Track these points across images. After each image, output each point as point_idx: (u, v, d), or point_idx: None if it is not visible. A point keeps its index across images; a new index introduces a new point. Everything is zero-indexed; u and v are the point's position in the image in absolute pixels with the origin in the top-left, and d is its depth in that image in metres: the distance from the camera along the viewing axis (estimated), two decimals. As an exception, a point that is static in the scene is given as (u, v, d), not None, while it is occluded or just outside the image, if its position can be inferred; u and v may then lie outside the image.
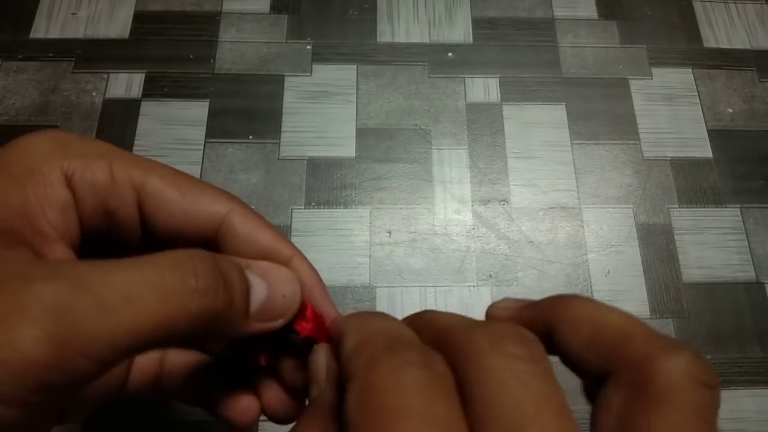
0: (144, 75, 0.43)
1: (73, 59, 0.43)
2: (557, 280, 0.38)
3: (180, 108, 0.42)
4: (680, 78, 0.45)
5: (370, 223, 0.39)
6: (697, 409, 0.13)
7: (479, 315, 0.16)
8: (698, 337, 0.37)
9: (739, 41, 0.46)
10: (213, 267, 0.16)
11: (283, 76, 0.43)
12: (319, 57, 0.44)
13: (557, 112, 0.43)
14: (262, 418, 0.21)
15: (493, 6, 0.47)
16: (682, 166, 0.42)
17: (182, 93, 0.42)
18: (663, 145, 0.42)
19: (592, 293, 0.38)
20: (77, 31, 0.44)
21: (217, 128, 0.41)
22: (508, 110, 0.43)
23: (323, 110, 0.42)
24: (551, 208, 0.40)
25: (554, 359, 0.15)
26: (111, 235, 0.19)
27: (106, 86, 0.42)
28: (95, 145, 0.18)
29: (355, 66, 0.44)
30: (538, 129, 0.43)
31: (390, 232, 0.39)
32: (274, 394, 0.21)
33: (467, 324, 0.14)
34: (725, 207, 0.41)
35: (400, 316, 0.17)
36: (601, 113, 0.43)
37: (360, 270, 0.38)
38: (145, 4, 0.45)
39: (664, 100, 0.44)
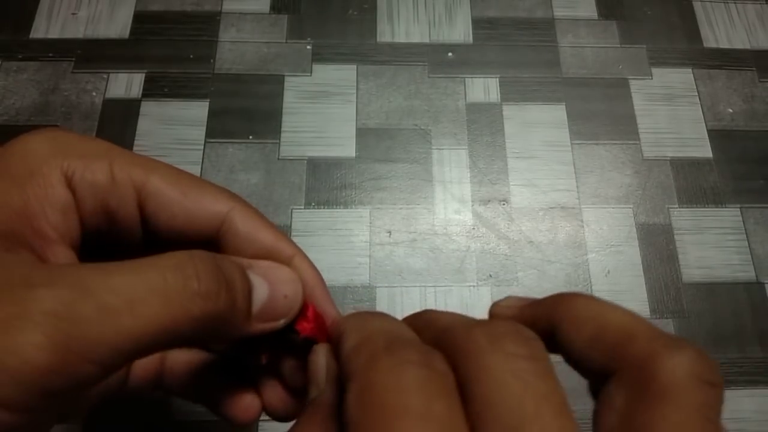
0: (144, 75, 0.43)
1: (73, 59, 0.43)
2: (557, 280, 0.38)
3: (180, 108, 0.42)
4: (680, 78, 0.45)
5: (370, 223, 0.39)
6: (700, 407, 0.13)
7: (479, 315, 0.16)
8: (698, 337, 0.37)
9: (739, 41, 0.46)
10: (215, 269, 0.16)
11: (283, 76, 0.43)
12: (319, 57, 0.44)
13: (557, 112, 0.43)
14: (262, 418, 0.21)
15: (493, 6, 0.47)
16: (682, 166, 0.42)
17: (182, 93, 0.42)
18: (663, 145, 0.42)
19: (592, 293, 0.38)
20: (77, 31, 0.44)
21: (217, 128, 0.41)
22: (508, 110, 0.43)
23: (323, 110, 0.42)
24: (551, 208, 0.40)
25: (558, 358, 0.15)
26: (112, 235, 0.19)
27: (106, 86, 0.42)
28: (95, 145, 0.18)
29: (355, 66, 0.44)
30: (538, 129, 0.43)
31: (390, 232, 0.39)
32: (274, 392, 0.21)
33: (467, 323, 0.14)
34: (725, 207, 0.41)
35: (400, 316, 0.17)
36: (601, 113, 0.43)
37: (360, 270, 0.38)
38: (145, 4, 0.45)
39: (664, 100, 0.44)
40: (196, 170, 0.40)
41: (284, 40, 0.45)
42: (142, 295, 0.14)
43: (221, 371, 0.22)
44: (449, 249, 0.39)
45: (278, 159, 0.41)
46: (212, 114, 0.42)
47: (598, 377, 0.14)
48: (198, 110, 0.42)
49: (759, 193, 0.41)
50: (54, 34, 0.44)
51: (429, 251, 0.39)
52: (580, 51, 0.45)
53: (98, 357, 0.13)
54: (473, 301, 0.37)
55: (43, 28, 0.44)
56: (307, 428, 0.15)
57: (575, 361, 0.15)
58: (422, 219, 0.39)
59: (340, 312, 0.21)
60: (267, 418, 0.22)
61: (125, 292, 0.14)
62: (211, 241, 0.19)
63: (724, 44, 0.46)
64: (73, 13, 0.44)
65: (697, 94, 0.44)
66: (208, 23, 0.45)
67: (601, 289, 0.38)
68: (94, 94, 0.42)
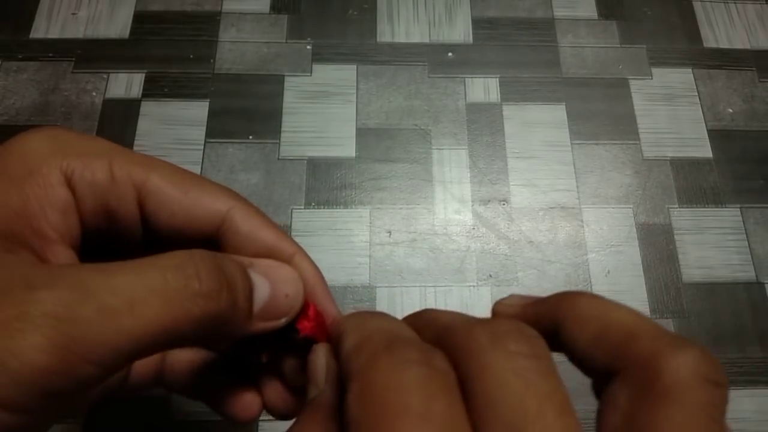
0: (144, 75, 0.43)
1: (73, 59, 0.43)
2: (557, 280, 0.38)
3: (180, 108, 0.42)
4: (680, 78, 0.45)
5: (370, 223, 0.39)
6: (704, 407, 0.12)
7: (479, 315, 0.16)
8: (698, 337, 0.37)
9: (739, 41, 0.46)
10: (216, 269, 0.16)
11: (283, 76, 0.43)
12: (319, 57, 0.44)
13: (557, 112, 0.43)
14: (262, 418, 0.21)
15: (493, 6, 0.47)
16: (682, 166, 0.42)
17: (182, 93, 0.42)
18: (663, 145, 0.42)
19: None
20: (77, 31, 0.44)
21: (217, 128, 0.41)
22: (508, 110, 0.43)
23: (323, 110, 0.42)
24: (551, 208, 0.40)
25: (560, 357, 0.15)
26: (112, 234, 0.19)
27: (106, 86, 0.42)
28: (95, 143, 0.18)
29: (355, 66, 0.44)
30: (538, 129, 0.43)
31: (390, 232, 0.39)
32: (275, 390, 0.21)
33: (468, 321, 0.14)
34: (725, 207, 0.41)
35: (400, 316, 0.17)
36: (601, 113, 0.43)
37: (360, 270, 0.38)
38: (145, 4, 0.45)
39: (664, 100, 0.44)
40: (196, 170, 0.40)
41: (284, 40, 0.45)
42: (142, 295, 0.14)
43: (222, 369, 0.22)
44: (449, 249, 0.39)
45: (278, 159, 0.41)
46: (212, 114, 0.42)
47: (602, 376, 0.14)
48: (198, 110, 0.42)
49: (759, 193, 0.41)
50: (54, 34, 0.44)
51: (429, 251, 0.39)
52: (580, 51, 0.45)
53: (99, 358, 0.13)
54: (473, 301, 0.37)
55: (43, 28, 0.44)
56: (306, 428, 0.15)
57: (578, 360, 0.15)
58: (422, 219, 0.39)
59: (341, 311, 0.21)
60: (267, 418, 0.22)
61: (125, 293, 0.14)
62: (211, 239, 0.19)
63: (724, 44, 0.46)
64: (73, 13, 0.44)
65: (697, 94, 0.44)
66: (208, 23, 0.45)
67: (601, 289, 0.38)
68: (94, 94, 0.42)
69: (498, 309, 0.18)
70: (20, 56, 0.43)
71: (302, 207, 0.39)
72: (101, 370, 0.14)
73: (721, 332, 0.37)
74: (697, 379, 0.13)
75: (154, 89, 0.42)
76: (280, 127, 0.42)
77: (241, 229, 0.19)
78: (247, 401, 0.21)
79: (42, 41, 0.43)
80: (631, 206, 0.41)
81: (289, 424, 0.16)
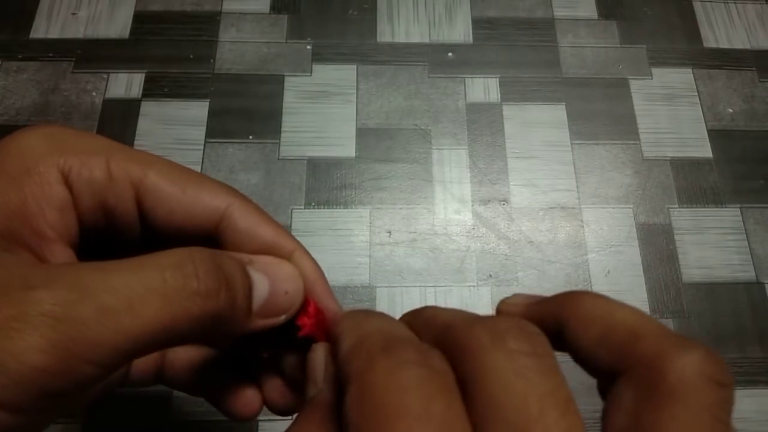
0: (144, 75, 0.43)
1: (73, 59, 0.43)
2: (557, 280, 0.38)
3: (180, 108, 0.42)
4: (680, 78, 0.45)
5: (370, 223, 0.39)
6: (709, 407, 0.12)
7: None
8: (698, 337, 0.37)
9: (739, 41, 0.46)
10: (215, 267, 0.16)
11: (283, 76, 0.43)
12: (319, 57, 0.44)
13: (557, 112, 0.43)
14: (262, 417, 0.21)
15: (493, 6, 0.47)
16: (682, 166, 0.42)
17: (182, 93, 0.42)
18: (663, 145, 0.42)
19: (592, 293, 0.38)
20: (77, 31, 0.44)
21: (217, 128, 0.41)
22: (508, 110, 0.43)
23: (323, 110, 0.42)
24: (551, 208, 0.40)
25: (563, 357, 0.15)
26: (110, 232, 0.19)
27: (106, 86, 0.42)
28: (92, 141, 0.18)
29: (355, 66, 0.44)
30: (538, 129, 0.43)
31: (390, 232, 0.39)
32: (275, 386, 0.21)
33: (468, 319, 0.14)
34: (725, 207, 0.41)
35: (400, 317, 0.17)
36: (601, 113, 0.43)
37: (360, 270, 0.38)
38: (145, 4, 0.45)
39: (664, 100, 0.44)
40: (196, 170, 0.40)
41: (284, 40, 0.44)
42: (141, 294, 0.14)
43: (222, 366, 0.22)
44: (449, 249, 0.39)
45: (278, 159, 0.41)
46: (212, 114, 0.42)
47: (607, 376, 0.14)
48: (198, 110, 0.42)
49: (759, 193, 0.41)
50: (54, 34, 0.44)
51: (429, 251, 0.39)
52: (580, 51, 0.45)
53: (98, 358, 0.13)
54: (473, 301, 0.37)
55: (43, 28, 0.44)
56: (305, 427, 0.15)
57: (583, 360, 0.15)
58: (422, 219, 0.39)
59: (341, 307, 0.21)
60: (267, 417, 0.22)
61: (124, 292, 0.14)
62: (210, 236, 0.19)
63: (724, 44, 0.46)
64: (73, 13, 0.44)
65: (697, 94, 0.44)
66: (208, 23, 0.45)
67: (601, 289, 0.38)
68: (94, 94, 0.42)
69: (502, 308, 0.18)
70: (20, 56, 0.43)
71: (302, 207, 0.39)
72: (100, 370, 0.14)
73: (721, 332, 0.37)
74: (702, 380, 0.13)
75: (154, 89, 0.42)
76: (280, 127, 0.42)
77: (240, 225, 0.19)
78: (248, 398, 0.21)
79: (42, 41, 0.43)
80: (631, 206, 0.41)
81: (288, 422, 0.16)
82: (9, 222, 0.16)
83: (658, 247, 0.39)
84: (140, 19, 0.45)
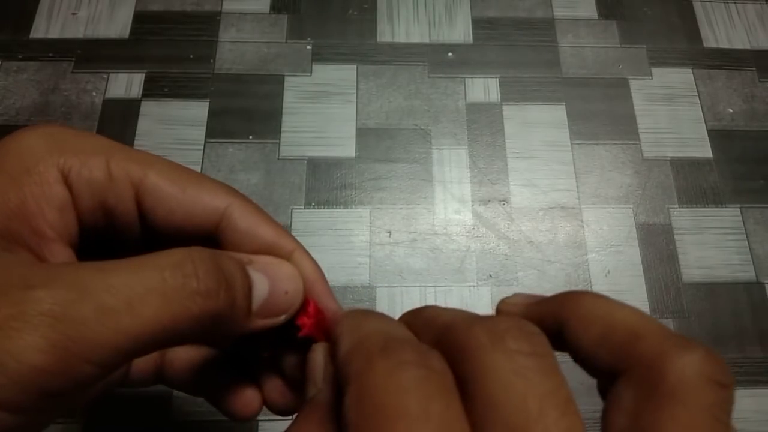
0: (144, 75, 0.43)
1: (73, 59, 0.43)
2: (557, 280, 0.38)
3: (180, 108, 0.42)
4: (680, 78, 0.45)
5: (370, 223, 0.39)
6: (709, 407, 0.12)
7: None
8: (698, 337, 0.37)
9: (739, 41, 0.46)
10: (214, 267, 0.16)
11: (283, 76, 0.43)
12: (319, 57, 0.44)
13: (557, 112, 0.43)
14: (262, 417, 0.21)
15: (493, 6, 0.47)
16: (682, 166, 0.42)
17: (182, 93, 0.42)
18: (663, 145, 0.42)
19: (592, 293, 0.38)
20: (77, 31, 0.44)
21: (217, 128, 0.41)
22: (508, 110, 0.43)
23: (323, 110, 0.42)
24: (551, 208, 0.40)
25: (563, 357, 0.15)
26: (110, 232, 0.19)
27: (106, 86, 0.42)
28: (92, 141, 0.18)
29: (355, 66, 0.44)
30: (538, 129, 0.43)
31: (390, 232, 0.39)
32: (275, 386, 0.21)
33: (468, 319, 0.14)
34: (725, 207, 0.41)
35: (399, 316, 0.17)
36: (601, 113, 0.43)
37: (360, 270, 0.38)
38: (145, 4, 0.45)
39: (664, 100, 0.44)
40: (196, 170, 0.40)
41: (284, 40, 0.44)
42: (140, 294, 0.14)
43: (222, 366, 0.22)
44: (449, 249, 0.39)
45: (278, 159, 0.41)
46: (212, 114, 0.42)
47: (607, 377, 0.14)
48: (198, 110, 0.42)
49: (759, 193, 0.41)
50: (54, 34, 0.44)
51: (429, 251, 0.39)
52: (580, 51, 0.45)
53: (97, 357, 0.13)
54: (473, 301, 0.37)
55: (43, 28, 0.44)
56: (304, 427, 0.15)
57: (583, 360, 0.15)
58: (422, 219, 0.39)
59: (341, 307, 0.21)
60: (267, 417, 0.22)
61: (124, 292, 0.14)
62: (210, 236, 0.19)
63: (724, 44, 0.46)
64: (73, 13, 0.44)
65: (697, 94, 0.44)
66: (208, 23, 0.45)
67: (601, 289, 0.38)
68: (94, 94, 0.42)
69: (502, 308, 0.18)
70: (20, 56, 0.43)
71: (302, 207, 0.39)
72: (100, 370, 0.14)
73: (721, 332, 0.37)
74: (702, 380, 0.12)
75: (154, 89, 0.42)
76: (280, 127, 0.42)
77: (240, 225, 0.19)
78: (248, 398, 0.21)
79: (42, 41, 0.43)
80: (631, 206, 0.41)
81: (288, 422, 0.16)
82: (8, 221, 0.16)
83: (658, 247, 0.39)
84: (140, 19, 0.45)
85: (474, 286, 0.38)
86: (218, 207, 0.19)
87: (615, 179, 0.41)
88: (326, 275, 0.21)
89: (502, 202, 0.40)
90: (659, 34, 0.46)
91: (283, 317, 0.18)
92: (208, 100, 0.42)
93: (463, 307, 0.37)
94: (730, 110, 0.44)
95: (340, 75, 0.43)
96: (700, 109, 0.44)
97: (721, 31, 0.47)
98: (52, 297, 0.13)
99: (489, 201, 0.40)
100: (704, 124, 0.43)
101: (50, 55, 0.43)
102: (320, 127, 0.42)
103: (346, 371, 0.13)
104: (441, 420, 0.12)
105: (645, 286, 0.38)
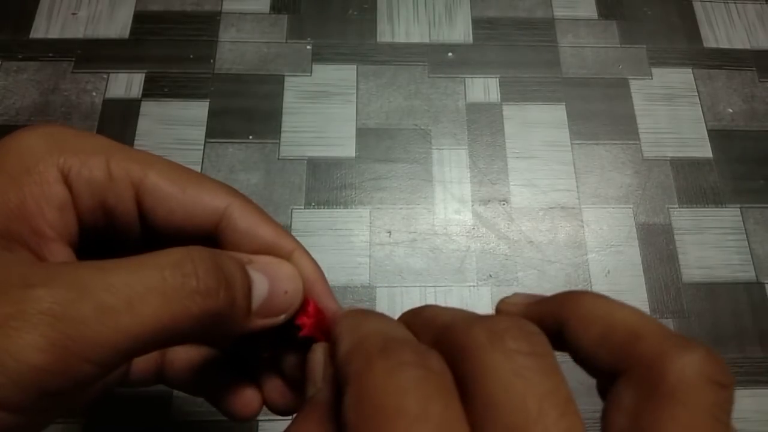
0: (144, 75, 0.43)
1: (73, 59, 0.43)
2: (557, 280, 0.38)
3: (180, 108, 0.42)
4: (680, 78, 0.45)
5: (370, 223, 0.39)
6: (709, 408, 0.12)
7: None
8: (698, 337, 0.37)
9: (739, 41, 0.46)
10: (214, 266, 0.16)
11: (283, 76, 0.43)
12: (319, 57, 0.44)
13: (557, 112, 0.43)
14: (262, 417, 0.21)
15: (493, 6, 0.47)
16: (682, 166, 0.42)
17: (182, 93, 0.42)
18: (663, 145, 0.42)
19: (592, 293, 0.38)
20: (77, 31, 0.44)
21: (217, 128, 0.41)
22: (508, 110, 0.43)
23: (323, 110, 0.42)
24: (551, 208, 0.40)
25: (563, 357, 0.15)
26: (110, 232, 0.19)
27: (106, 86, 0.42)
28: (92, 140, 0.18)
29: (355, 66, 0.44)
30: (538, 129, 0.43)
31: (390, 232, 0.39)
32: (275, 386, 0.21)
33: (467, 319, 0.14)
34: (725, 207, 0.41)
35: (399, 316, 0.17)
36: (601, 113, 0.43)
37: (360, 270, 0.38)
38: (145, 4, 0.45)
39: (664, 100, 0.44)
40: (196, 170, 0.40)
41: (284, 40, 0.44)
42: (140, 293, 0.14)
43: (222, 366, 0.22)
44: (449, 249, 0.39)
45: (278, 159, 0.41)
46: (212, 114, 0.42)
47: (607, 377, 0.14)
48: (198, 110, 0.42)
49: (759, 193, 0.41)
50: (54, 34, 0.44)
51: (429, 251, 0.39)
52: (580, 51, 0.45)
53: (97, 357, 0.13)
54: (473, 301, 0.37)
55: (43, 28, 0.44)
56: (303, 426, 0.15)
57: (583, 360, 0.15)
58: (422, 219, 0.39)
59: (341, 307, 0.21)
60: (267, 417, 0.22)
61: (123, 291, 0.14)
62: (210, 236, 0.19)
63: (724, 44, 0.46)
64: (73, 13, 0.44)
65: (697, 94, 0.44)
66: (208, 23, 0.45)
67: (601, 289, 0.38)
68: (94, 94, 0.42)
69: (501, 307, 0.18)
70: (20, 56, 0.43)
71: (302, 207, 0.39)
72: (99, 369, 0.14)
73: (721, 332, 0.37)
74: (701, 380, 0.12)
75: (154, 89, 0.42)
76: (280, 127, 0.42)
77: (240, 225, 0.19)
78: (248, 398, 0.21)
79: (42, 41, 0.43)
80: (631, 206, 0.41)
81: (288, 422, 0.16)
82: (8, 221, 0.16)
83: (658, 247, 0.39)
84: (140, 19, 0.45)
85: (474, 286, 0.38)
86: (218, 207, 0.19)
87: (615, 179, 0.41)
88: (326, 275, 0.21)
89: (502, 202, 0.40)
90: (659, 34, 0.46)
91: (282, 317, 0.18)
92: (208, 100, 0.42)
93: (463, 307, 0.37)
94: (730, 110, 0.44)
95: (340, 75, 0.43)
96: (700, 109, 0.44)
97: (721, 31, 0.47)
98: (51, 296, 0.13)
99: (489, 201, 0.40)
100: (704, 124, 0.43)
101: (50, 55, 0.43)
102: (320, 127, 0.42)
103: (345, 371, 0.13)
104: (440, 420, 0.12)
105: (645, 286, 0.38)
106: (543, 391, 0.12)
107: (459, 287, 0.38)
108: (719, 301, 0.38)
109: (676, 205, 0.41)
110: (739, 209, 0.41)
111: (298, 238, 0.20)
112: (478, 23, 0.46)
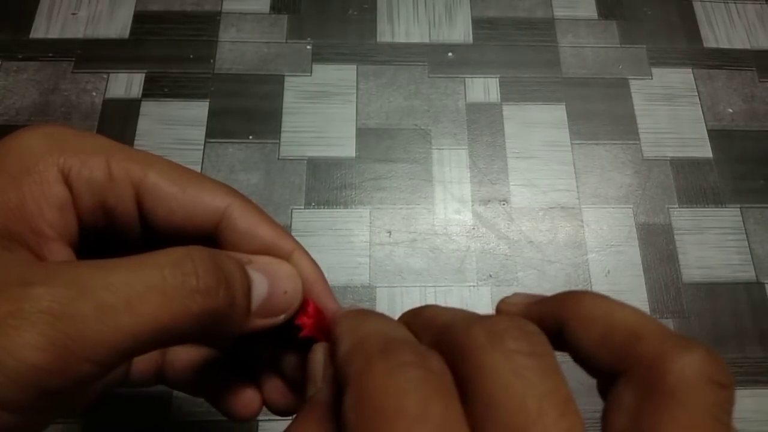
0: (144, 75, 0.43)
1: (73, 59, 0.43)
2: (557, 280, 0.38)
3: (180, 108, 0.42)
4: (680, 78, 0.45)
5: (370, 223, 0.39)
6: (709, 408, 0.12)
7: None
8: (698, 337, 0.37)
9: (739, 41, 0.46)
10: (214, 266, 0.16)
11: (283, 76, 0.43)
12: (319, 57, 0.44)
13: (557, 112, 0.43)
14: (262, 417, 0.21)
15: (493, 6, 0.47)
16: (682, 166, 0.42)
17: (182, 93, 0.42)
18: (663, 145, 0.42)
19: (592, 293, 0.38)
20: (77, 31, 0.44)
21: (217, 128, 0.41)
22: (508, 110, 0.43)
23: (323, 110, 0.42)
24: (551, 208, 0.40)
25: (563, 357, 0.15)
26: (110, 232, 0.19)
27: (106, 86, 0.42)
28: (92, 140, 0.18)
29: (355, 66, 0.44)
30: (538, 129, 0.43)
31: (390, 232, 0.39)
32: (275, 387, 0.21)
33: (467, 320, 0.14)
34: (725, 207, 0.41)
35: (399, 316, 0.17)
36: (601, 113, 0.43)
37: (360, 270, 0.38)
38: (145, 4, 0.45)
39: (664, 100, 0.44)
40: (196, 170, 0.40)
41: (284, 40, 0.44)
42: (140, 292, 0.14)
43: (222, 366, 0.22)
44: (449, 249, 0.39)
45: (278, 159, 0.41)
46: (212, 114, 0.42)
47: (607, 377, 0.14)
48: (198, 110, 0.42)
49: (759, 193, 0.41)
50: (54, 34, 0.44)
51: (429, 251, 0.39)
52: (580, 51, 0.45)
53: (96, 356, 0.13)
54: (473, 301, 0.37)
55: (43, 28, 0.44)
56: (303, 426, 0.15)
57: (583, 360, 0.15)
58: (422, 219, 0.39)
59: (341, 306, 0.21)
60: (267, 417, 0.22)
61: (123, 290, 0.14)
62: (210, 236, 0.19)
63: (724, 44, 0.46)
64: (73, 13, 0.44)
65: (697, 94, 0.44)
66: (208, 23, 0.45)
67: (601, 290, 0.38)
68: (94, 94, 0.42)
69: (502, 307, 0.18)
70: (20, 56, 0.43)
71: (302, 207, 0.39)
72: (99, 368, 0.14)
73: (721, 332, 0.37)
74: (702, 380, 0.12)
75: (154, 89, 0.42)
76: (280, 127, 0.42)
77: (240, 225, 0.19)
78: (248, 398, 0.21)
79: (42, 41, 0.43)
80: (631, 206, 0.41)
81: (288, 422, 0.16)
82: (8, 221, 0.16)
83: (658, 247, 0.39)
84: (140, 19, 0.45)
85: (474, 286, 0.38)
86: (218, 207, 0.19)
87: (615, 179, 0.41)
88: (326, 275, 0.21)
89: (502, 202, 0.40)
90: (659, 34, 0.46)
91: (282, 317, 0.18)
92: (208, 100, 0.42)
93: (463, 307, 0.37)
94: (730, 110, 0.44)
95: (340, 75, 0.43)
96: (700, 109, 0.44)
97: (721, 31, 0.47)
98: (51, 295, 0.13)
99: (489, 201, 0.40)
100: (704, 124, 0.43)
101: (50, 55, 0.43)
102: (320, 127, 0.42)
103: (345, 372, 0.13)
104: (440, 420, 0.12)
105: (645, 286, 0.38)
106: (543, 391, 0.12)
107: (459, 287, 0.38)
108: (719, 301, 0.38)
109: (676, 205, 0.41)
110: (739, 209, 0.41)
111: (298, 238, 0.20)
112: (478, 23, 0.46)
